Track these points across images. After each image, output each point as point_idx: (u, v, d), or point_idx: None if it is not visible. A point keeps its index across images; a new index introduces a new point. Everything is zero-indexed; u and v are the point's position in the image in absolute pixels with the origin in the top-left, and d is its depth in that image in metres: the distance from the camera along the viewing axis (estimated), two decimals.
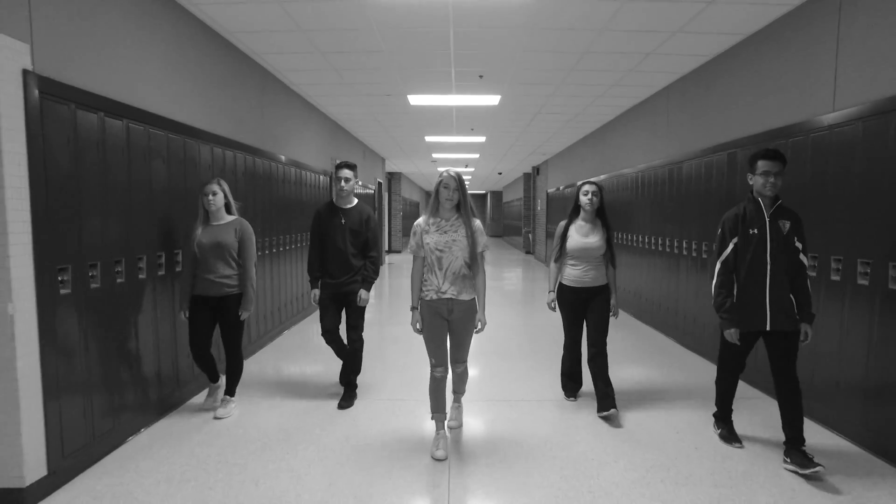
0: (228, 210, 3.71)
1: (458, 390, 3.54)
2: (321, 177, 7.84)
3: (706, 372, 4.64)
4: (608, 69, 5.64)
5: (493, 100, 7.16)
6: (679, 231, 5.80)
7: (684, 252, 5.66)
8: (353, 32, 4.63)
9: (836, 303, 3.45)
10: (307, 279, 4.32)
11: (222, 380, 3.95)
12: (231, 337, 3.76)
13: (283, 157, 6.17)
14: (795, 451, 2.98)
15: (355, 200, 4.01)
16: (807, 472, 2.85)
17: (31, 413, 2.60)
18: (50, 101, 2.70)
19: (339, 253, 3.87)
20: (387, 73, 5.92)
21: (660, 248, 6.33)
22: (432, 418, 3.24)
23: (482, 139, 10.90)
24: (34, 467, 2.62)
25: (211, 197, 3.60)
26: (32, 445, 2.61)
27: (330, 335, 3.93)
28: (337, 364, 4.33)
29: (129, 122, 3.34)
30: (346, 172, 3.93)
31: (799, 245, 3.02)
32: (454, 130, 9.79)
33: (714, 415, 3.48)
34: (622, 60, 5.33)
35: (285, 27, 4.49)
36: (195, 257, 3.62)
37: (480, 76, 6.02)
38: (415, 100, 7.18)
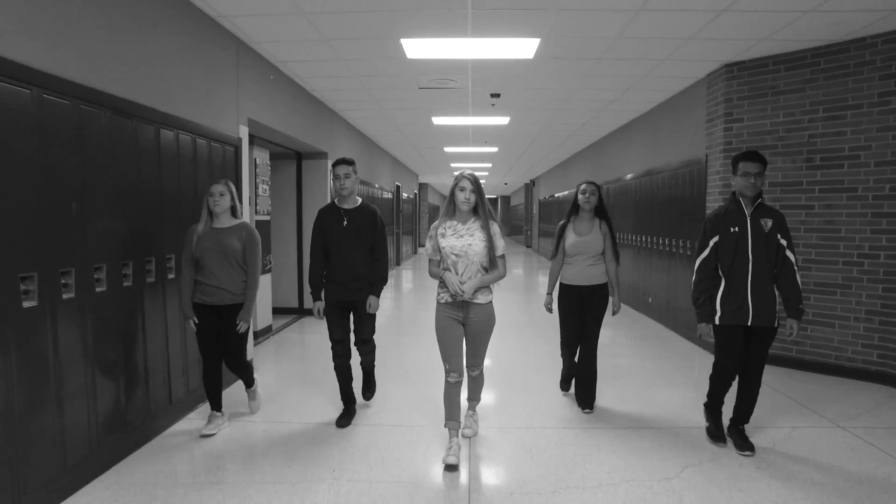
0: (234, 213, 3.46)
1: (474, 397, 3.36)
2: (388, 193, 12.91)
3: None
4: (553, 140, 10.64)
5: (492, 149, 12.20)
6: None
7: None
8: (424, 129, 9.66)
9: (650, 261, 8.35)
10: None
11: (224, 418, 3.59)
12: (232, 349, 3.47)
13: (376, 185, 11.22)
14: (736, 430, 3.20)
15: (359, 200, 3.63)
16: (743, 453, 3.10)
17: None
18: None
19: (344, 258, 3.52)
20: (433, 140, 10.97)
21: None
22: (446, 426, 3.12)
23: (489, 164, 15.94)
24: None
25: (217, 197, 3.34)
26: None
27: (342, 345, 3.62)
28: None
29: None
30: (344, 168, 3.51)
31: (784, 242, 3.03)
32: (471, 161, 14.87)
33: (704, 404, 3.40)
34: (556, 136, 10.30)
35: (391, 127, 9.51)
36: (195, 261, 3.36)
37: (485, 141, 11.05)
38: (448, 149, 12.25)
